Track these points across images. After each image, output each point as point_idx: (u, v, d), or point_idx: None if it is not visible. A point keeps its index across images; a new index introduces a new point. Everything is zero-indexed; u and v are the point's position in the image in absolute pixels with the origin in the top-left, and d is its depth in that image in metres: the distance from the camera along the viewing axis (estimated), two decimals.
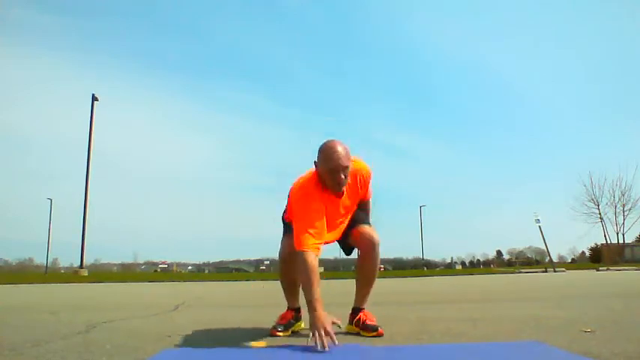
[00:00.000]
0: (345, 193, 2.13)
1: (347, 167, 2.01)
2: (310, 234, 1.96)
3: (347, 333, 2.18)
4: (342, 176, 2.00)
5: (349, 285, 2.77)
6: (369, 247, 2.18)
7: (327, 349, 1.65)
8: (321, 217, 2.03)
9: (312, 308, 1.82)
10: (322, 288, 1.94)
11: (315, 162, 2.07)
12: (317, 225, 2.00)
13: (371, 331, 2.09)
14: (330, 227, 2.13)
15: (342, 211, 2.17)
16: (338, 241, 2.31)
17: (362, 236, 2.20)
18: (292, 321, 2.28)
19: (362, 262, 2.23)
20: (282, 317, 2.28)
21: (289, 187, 2.22)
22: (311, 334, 1.75)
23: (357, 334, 2.14)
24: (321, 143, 2.05)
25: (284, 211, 2.31)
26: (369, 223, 2.27)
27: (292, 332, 2.25)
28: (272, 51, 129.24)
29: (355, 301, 2.26)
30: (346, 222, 2.24)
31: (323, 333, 1.71)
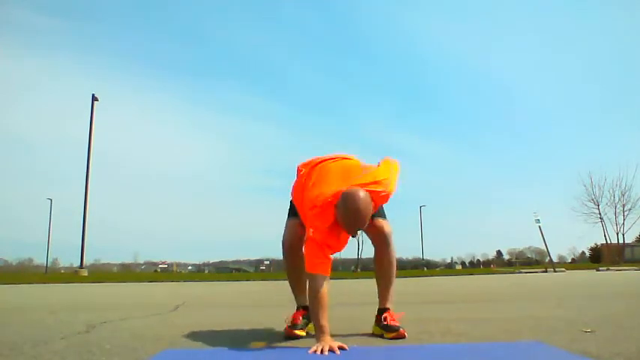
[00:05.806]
0: None
1: (364, 226, 1.94)
2: (324, 255, 1.91)
3: (371, 334, 2.16)
4: (358, 232, 1.95)
5: (349, 285, 2.76)
6: (381, 239, 2.18)
7: (326, 353, 1.64)
8: (337, 237, 1.98)
9: (320, 331, 1.79)
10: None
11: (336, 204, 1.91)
12: (332, 245, 1.95)
13: (391, 331, 2.04)
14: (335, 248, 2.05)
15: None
16: None
17: (374, 229, 2.18)
18: (306, 320, 2.21)
19: (375, 256, 2.24)
20: (295, 317, 2.20)
21: (297, 165, 2.23)
22: (315, 347, 1.70)
23: (381, 335, 2.09)
24: (345, 193, 1.87)
25: (291, 191, 2.28)
26: (381, 216, 2.21)
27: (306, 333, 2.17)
28: (272, 51, 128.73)
29: (379, 301, 2.21)
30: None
31: (327, 349, 1.66)
